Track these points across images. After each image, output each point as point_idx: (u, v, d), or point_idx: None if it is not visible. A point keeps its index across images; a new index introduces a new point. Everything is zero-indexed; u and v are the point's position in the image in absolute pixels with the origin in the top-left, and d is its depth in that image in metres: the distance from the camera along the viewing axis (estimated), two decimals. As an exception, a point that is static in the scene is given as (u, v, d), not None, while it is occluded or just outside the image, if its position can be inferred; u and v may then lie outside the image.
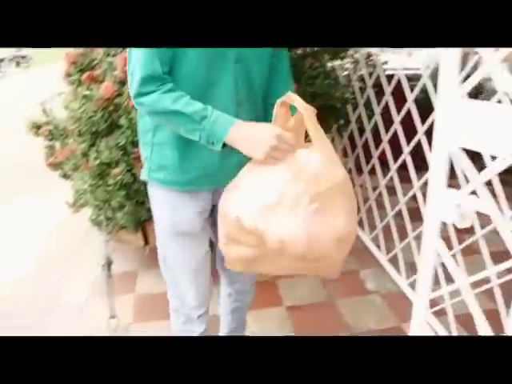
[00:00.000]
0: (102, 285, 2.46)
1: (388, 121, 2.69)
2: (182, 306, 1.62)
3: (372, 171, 3.09)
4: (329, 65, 2.79)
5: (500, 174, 1.38)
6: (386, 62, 3.01)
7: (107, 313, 2.33)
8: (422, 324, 1.66)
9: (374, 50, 3.11)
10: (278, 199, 1.21)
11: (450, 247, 1.67)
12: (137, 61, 1.27)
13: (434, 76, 2.26)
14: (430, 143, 2.29)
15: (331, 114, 2.81)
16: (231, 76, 1.36)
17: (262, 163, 1.26)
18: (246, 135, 1.26)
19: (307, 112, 1.24)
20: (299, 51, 2.68)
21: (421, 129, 2.35)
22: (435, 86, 2.22)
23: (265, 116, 1.49)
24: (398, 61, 2.56)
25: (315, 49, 2.69)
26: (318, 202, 1.21)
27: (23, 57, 20.39)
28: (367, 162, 3.14)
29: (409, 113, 2.46)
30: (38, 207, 4.12)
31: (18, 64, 16.13)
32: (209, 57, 1.31)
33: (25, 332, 2.37)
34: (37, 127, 2.74)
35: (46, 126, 2.73)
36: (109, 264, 2.25)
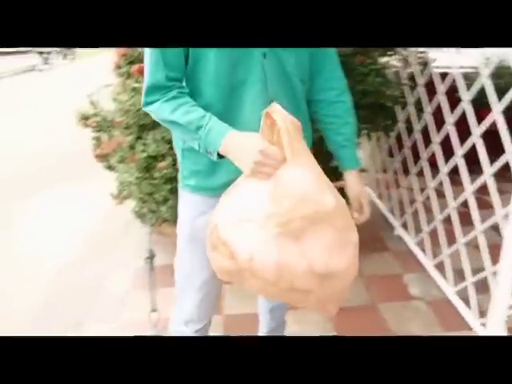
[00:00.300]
0: (143, 277, 2.48)
1: (439, 121, 2.60)
2: (181, 312, 1.55)
3: (419, 173, 3.00)
4: (380, 62, 2.71)
5: None
6: (434, 60, 2.91)
7: (148, 306, 2.34)
8: (499, 322, 1.59)
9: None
10: (251, 216, 1.12)
11: None
12: (145, 69, 1.25)
13: (493, 75, 2.17)
14: (486, 146, 2.21)
15: (380, 113, 2.73)
16: (259, 73, 1.26)
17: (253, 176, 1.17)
18: (234, 149, 1.18)
19: (286, 125, 1.13)
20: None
21: (476, 131, 2.25)
22: (495, 85, 2.15)
23: (309, 117, 1.45)
24: (449, 58, 2.45)
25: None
26: (289, 227, 1.08)
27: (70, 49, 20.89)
28: (415, 163, 3.05)
29: (463, 114, 2.37)
30: (83, 197, 4.20)
31: (64, 56, 16.57)
32: (232, 55, 1.23)
33: (69, 318, 2.42)
34: (85, 118, 2.78)
35: (93, 117, 2.77)
36: (152, 257, 2.26)
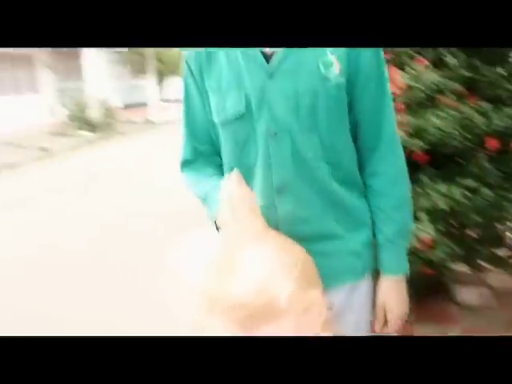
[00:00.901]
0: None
1: None
2: None
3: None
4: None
5: None
6: None
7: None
8: None
9: None
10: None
11: None
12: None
13: None
14: None
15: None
16: (262, 155, 1.11)
17: None
18: None
19: (230, 197, 1.03)
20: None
21: None
22: None
23: (347, 210, 1.16)
24: None
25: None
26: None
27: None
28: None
29: None
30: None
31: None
32: (236, 135, 1.14)
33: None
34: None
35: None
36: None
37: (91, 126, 14.04)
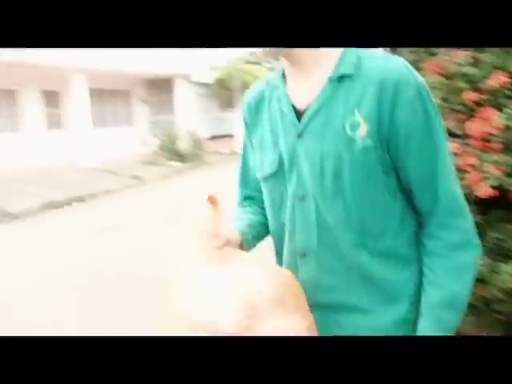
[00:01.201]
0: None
1: None
2: None
3: None
4: None
5: None
6: None
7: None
8: None
9: None
10: None
11: None
12: None
13: None
14: None
15: None
16: (289, 218, 1.09)
17: None
18: None
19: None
20: None
21: None
22: None
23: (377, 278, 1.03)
24: None
25: None
26: None
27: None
28: None
29: None
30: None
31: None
32: (272, 194, 1.13)
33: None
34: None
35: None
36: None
37: (180, 156, 14.76)
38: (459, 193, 1.02)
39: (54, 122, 14.05)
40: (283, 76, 1.10)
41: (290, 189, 1.06)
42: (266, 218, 1.19)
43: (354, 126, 0.97)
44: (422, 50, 2.54)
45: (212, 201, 1.01)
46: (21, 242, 6.67)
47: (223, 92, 19.85)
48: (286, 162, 1.06)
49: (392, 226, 1.02)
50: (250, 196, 1.27)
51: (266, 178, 1.13)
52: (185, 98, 18.17)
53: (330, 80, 1.01)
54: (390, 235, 1.02)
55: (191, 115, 18.15)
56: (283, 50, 1.02)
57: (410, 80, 0.96)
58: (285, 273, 1.05)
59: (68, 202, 9.30)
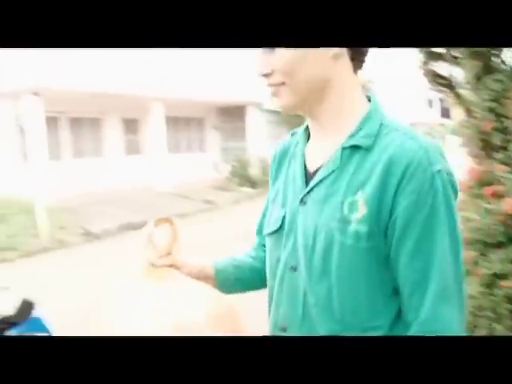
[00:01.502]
0: None
1: None
2: None
3: None
4: None
5: None
6: None
7: None
8: None
9: None
10: None
11: None
12: None
13: None
14: None
15: None
16: (278, 285, 1.01)
17: None
18: None
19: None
20: None
21: None
22: None
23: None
24: None
25: None
26: None
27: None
28: None
29: None
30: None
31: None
32: (271, 252, 1.07)
33: None
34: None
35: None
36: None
37: (251, 182, 15.00)
38: (450, 315, 0.85)
39: (133, 148, 14.75)
40: (306, 130, 1.05)
41: (284, 256, 0.99)
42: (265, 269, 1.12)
43: (352, 207, 0.88)
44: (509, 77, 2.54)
45: (169, 222, 1.12)
46: (102, 261, 7.00)
47: (293, 119, 20.02)
48: (286, 226, 0.99)
49: (374, 317, 0.90)
50: (264, 245, 1.17)
51: (268, 235, 1.07)
52: (256, 125, 18.50)
53: (343, 148, 0.93)
54: (371, 322, 0.91)
55: (262, 142, 18.43)
56: (303, 103, 0.96)
57: (424, 167, 0.84)
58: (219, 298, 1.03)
59: (144, 224, 9.60)
